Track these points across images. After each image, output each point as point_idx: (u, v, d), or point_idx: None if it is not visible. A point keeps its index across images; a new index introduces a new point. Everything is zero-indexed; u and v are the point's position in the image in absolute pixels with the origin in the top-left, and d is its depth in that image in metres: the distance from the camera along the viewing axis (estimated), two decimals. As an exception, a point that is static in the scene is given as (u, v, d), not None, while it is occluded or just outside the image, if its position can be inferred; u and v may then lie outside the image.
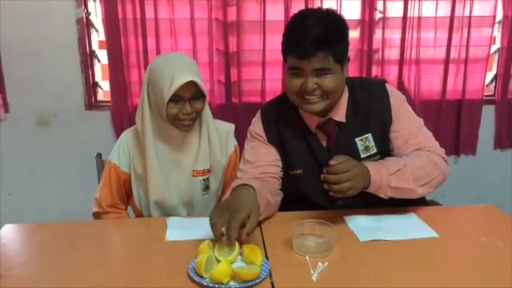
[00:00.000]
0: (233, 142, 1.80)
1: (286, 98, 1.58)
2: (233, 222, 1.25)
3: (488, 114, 3.04)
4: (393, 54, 2.89)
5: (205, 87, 1.58)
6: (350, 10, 2.81)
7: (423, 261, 1.32)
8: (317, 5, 2.76)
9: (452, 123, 3.02)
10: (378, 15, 2.83)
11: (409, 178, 1.43)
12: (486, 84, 3.01)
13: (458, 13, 2.83)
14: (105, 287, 1.20)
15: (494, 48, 2.99)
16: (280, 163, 1.64)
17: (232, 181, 1.63)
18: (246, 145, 1.68)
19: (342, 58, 1.48)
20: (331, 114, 1.57)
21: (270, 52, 2.81)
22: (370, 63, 2.85)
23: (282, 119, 1.63)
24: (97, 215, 1.74)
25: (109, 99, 2.90)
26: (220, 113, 2.70)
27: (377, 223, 1.49)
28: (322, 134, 1.61)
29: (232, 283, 1.18)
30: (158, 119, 1.63)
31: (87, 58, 2.84)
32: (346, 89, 1.59)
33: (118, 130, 2.88)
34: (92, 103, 2.92)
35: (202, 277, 1.18)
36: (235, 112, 2.87)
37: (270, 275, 1.22)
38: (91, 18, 2.82)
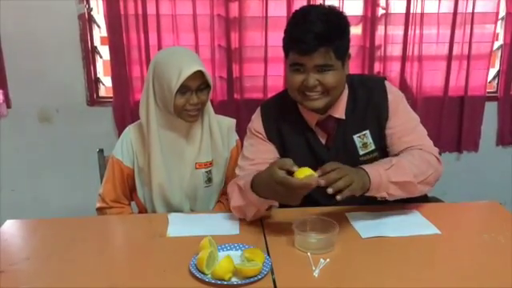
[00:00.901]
0: (234, 137, 1.80)
1: (286, 95, 1.58)
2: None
3: (490, 110, 3.03)
4: (395, 50, 2.88)
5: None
6: (353, 5, 2.80)
7: (425, 257, 1.32)
8: (319, 1, 2.75)
9: (454, 120, 3.01)
10: (380, 11, 2.82)
11: (406, 171, 1.42)
12: (488, 80, 3.00)
13: (460, 9, 2.82)
14: (106, 283, 1.20)
15: (496, 44, 2.98)
16: None
17: (233, 176, 1.64)
18: (245, 141, 1.68)
19: (343, 55, 1.48)
20: (331, 111, 1.57)
21: (272, 48, 2.80)
22: (372, 59, 2.84)
23: (282, 116, 1.63)
24: (100, 210, 1.74)
25: (111, 95, 2.89)
26: (222, 109, 2.70)
27: (379, 220, 1.49)
28: (321, 131, 1.61)
29: (234, 279, 1.18)
30: (163, 112, 1.64)
31: (89, 54, 2.83)
32: (346, 86, 1.59)
33: (120, 126, 2.88)
34: (94, 99, 2.92)
35: (203, 273, 1.19)
36: (237, 108, 2.87)
37: (272, 271, 1.22)
38: (93, 13, 2.81)
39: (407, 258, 1.30)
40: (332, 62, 1.45)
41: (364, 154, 1.59)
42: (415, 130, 1.59)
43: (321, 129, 1.60)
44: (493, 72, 3.04)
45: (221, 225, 1.51)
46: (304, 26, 1.42)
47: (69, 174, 2.96)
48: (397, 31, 2.86)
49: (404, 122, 1.58)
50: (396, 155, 1.54)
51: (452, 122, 3.01)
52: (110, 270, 1.28)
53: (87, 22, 2.79)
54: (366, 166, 1.40)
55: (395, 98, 1.59)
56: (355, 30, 2.77)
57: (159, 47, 2.77)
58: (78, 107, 2.89)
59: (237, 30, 2.79)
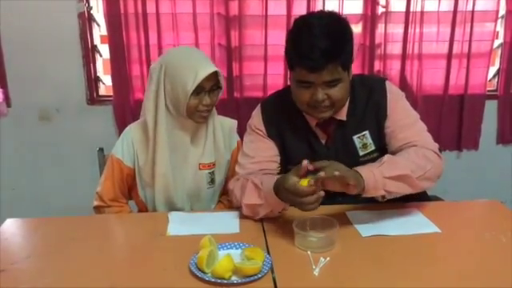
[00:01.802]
0: (235, 138, 1.80)
1: (287, 94, 1.57)
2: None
3: (490, 109, 3.03)
4: (395, 48, 2.88)
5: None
6: (353, 4, 2.80)
7: (425, 256, 1.31)
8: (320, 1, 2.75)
9: (454, 118, 3.01)
10: (380, 10, 2.82)
11: (399, 165, 1.40)
12: (488, 79, 3.00)
13: (460, 7, 2.82)
14: (106, 282, 1.20)
15: (496, 43, 2.98)
16: (278, 158, 1.64)
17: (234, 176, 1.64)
18: (245, 138, 1.68)
19: (349, 64, 1.47)
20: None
21: (271, 47, 2.80)
22: (372, 58, 2.84)
23: (282, 114, 1.63)
24: (98, 209, 1.73)
25: (111, 94, 2.90)
26: (222, 107, 2.66)
27: (379, 218, 1.49)
28: (321, 131, 1.60)
29: (234, 278, 1.18)
30: (172, 112, 1.63)
31: (89, 53, 2.83)
32: None
33: (120, 125, 2.88)
34: (94, 98, 2.92)
35: (203, 272, 1.18)
36: (237, 107, 2.87)
37: (272, 270, 1.22)
38: (93, 12, 2.82)
39: (407, 257, 1.30)
40: (340, 76, 1.43)
41: (364, 155, 1.59)
42: (412, 126, 1.57)
43: (321, 129, 1.60)
44: (493, 70, 3.04)
45: (221, 223, 1.51)
46: (309, 42, 1.38)
47: (69, 173, 2.97)
48: (397, 29, 2.86)
49: (401, 119, 1.57)
50: (393, 153, 1.53)
51: (452, 120, 3.01)
52: (110, 268, 1.28)
53: (87, 20, 2.79)
54: (358, 167, 1.37)
55: (394, 97, 1.59)
56: (355, 29, 2.77)
57: (159, 46, 2.77)
58: (78, 106, 2.89)
59: (237, 28, 2.79)
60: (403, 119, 1.57)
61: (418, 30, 2.84)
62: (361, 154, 1.59)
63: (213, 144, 1.72)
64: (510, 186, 2.98)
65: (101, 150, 1.92)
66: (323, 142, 1.61)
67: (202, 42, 2.79)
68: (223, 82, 1.65)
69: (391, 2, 2.81)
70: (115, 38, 2.76)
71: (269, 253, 1.30)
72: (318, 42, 1.37)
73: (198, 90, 1.57)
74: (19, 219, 1.59)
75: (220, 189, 1.80)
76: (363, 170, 1.36)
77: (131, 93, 2.86)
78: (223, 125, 1.77)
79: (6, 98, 2.85)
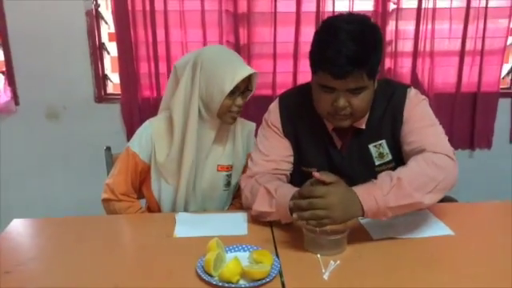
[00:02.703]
0: (252, 141, 1.78)
1: (307, 92, 1.51)
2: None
3: (504, 107, 2.99)
4: (407, 45, 2.84)
5: None
6: (363, 0, 2.76)
7: (438, 260, 1.28)
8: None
9: (467, 116, 2.97)
10: (391, 6, 2.78)
11: (408, 191, 1.28)
12: (502, 76, 2.95)
13: (473, 4, 2.77)
14: (112, 283, 1.18)
15: (510, 39, 2.92)
16: (292, 159, 1.61)
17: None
18: (260, 132, 1.65)
19: (375, 73, 1.41)
20: None
21: (280, 44, 2.78)
22: (383, 55, 2.80)
23: (300, 114, 1.58)
24: (107, 202, 1.70)
25: (118, 92, 2.89)
26: (230, 106, 2.67)
27: (390, 220, 1.44)
28: (337, 137, 1.56)
29: (242, 282, 1.15)
30: (201, 110, 1.62)
31: (97, 51, 2.82)
32: None
33: (128, 123, 2.87)
34: (102, 96, 2.91)
35: (210, 275, 1.16)
36: (246, 104, 2.79)
37: (281, 274, 1.19)
38: (100, 10, 2.80)
39: (419, 260, 1.26)
40: (365, 84, 1.37)
41: (380, 165, 1.54)
42: (424, 130, 1.48)
43: (337, 135, 1.56)
44: (506, 68, 3.00)
45: (229, 225, 1.49)
46: (335, 47, 1.31)
47: (76, 172, 2.96)
48: (408, 26, 2.82)
49: (414, 122, 1.49)
50: (405, 159, 1.46)
51: (464, 118, 2.96)
52: (116, 270, 1.26)
53: (95, 18, 2.78)
54: (361, 191, 1.28)
55: (412, 102, 1.50)
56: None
57: (167, 43, 2.76)
58: (86, 104, 2.89)
59: (245, 25, 2.76)
60: (415, 123, 1.48)
61: (429, 26, 2.79)
62: (377, 163, 1.54)
63: (232, 146, 1.72)
64: (524, 186, 2.93)
65: (108, 148, 1.91)
66: (338, 147, 1.57)
67: (210, 39, 2.77)
68: (255, 85, 1.65)
69: (402, -1, 2.77)
70: (123, 36, 2.75)
71: (277, 256, 1.27)
72: (345, 47, 1.31)
73: (233, 91, 1.56)
74: (26, 219, 1.59)
75: (233, 191, 1.79)
76: (366, 197, 1.26)
77: (139, 91, 2.84)
78: (243, 128, 1.76)
79: (15, 96, 2.85)
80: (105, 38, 2.87)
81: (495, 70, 2.90)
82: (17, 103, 2.87)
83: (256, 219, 1.49)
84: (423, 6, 2.76)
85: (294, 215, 1.26)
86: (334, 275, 1.18)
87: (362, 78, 1.35)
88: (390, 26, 2.80)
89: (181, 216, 1.56)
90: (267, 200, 1.42)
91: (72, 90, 2.86)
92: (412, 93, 1.53)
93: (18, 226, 1.53)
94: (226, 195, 1.77)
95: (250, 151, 1.74)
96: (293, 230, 1.39)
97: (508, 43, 2.90)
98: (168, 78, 2.76)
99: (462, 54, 2.85)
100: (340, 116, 1.43)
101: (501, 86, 2.96)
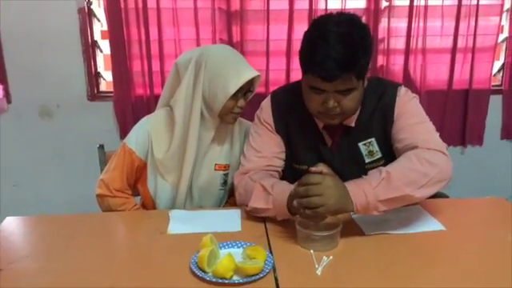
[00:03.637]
0: None
1: (299, 90, 1.52)
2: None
3: (495, 103, 3.00)
4: (399, 43, 2.85)
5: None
6: (356, -2, 2.77)
7: (430, 254, 1.30)
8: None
9: (459, 113, 2.99)
10: (383, 4, 2.79)
11: (397, 184, 1.29)
12: (493, 73, 2.97)
13: (465, 1, 2.79)
14: (106, 281, 1.18)
15: (501, 37, 2.95)
16: (284, 155, 1.62)
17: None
18: (252, 130, 1.65)
19: (364, 73, 1.41)
20: None
21: (273, 42, 2.78)
22: (375, 53, 2.81)
23: (292, 110, 1.59)
24: (102, 198, 1.69)
25: (111, 90, 2.88)
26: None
27: (382, 216, 1.45)
28: (327, 135, 1.57)
29: (235, 278, 1.16)
30: (202, 109, 1.61)
31: (89, 48, 2.81)
32: None
33: (121, 121, 2.87)
34: (94, 94, 2.90)
35: (204, 271, 1.17)
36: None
37: (274, 269, 1.20)
38: (93, 7, 2.80)
39: (412, 255, 1.28)
40: (353, 86, 1.38)
41: (370, 162, 1.55)
42: (415, 127, 1.48)
43: (327, 133, 1.57)
44: (497, 65, 3.01)
45: (222, 221, 1.49)
46: (324, 50, 1.32)
47: (69, 170, 2.95)
48: (400, 24, 2.83)
49: (405, 119, 1.50)
50: (397, 157, 1.47)
51: (456, 115, 2.98)
52: (110, 267, 1.26)
53: (87, 15, 2.77)
54: (351, 185, 1.30)
55: (402, 100, 1.51)
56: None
57: (160, 41, 2.76)
58: (79, 102, 2.88)
59: (238, 23, 2.76)
60: (406, 120, 1.49)
61: (421, 24, 2.81)
62: (367, 161, 1.56)
63: (230, 146, 1.72)
64: (515, 182, 2.95)
65: (101, 146, 1.91)
66: (329, 145, 1.58)
67: (203, 37, 2.77)
68: (257, 86, 1.65)
69: (395, -4, 2.78)
70: (116, 34, 2.74)
71: (271, 252, 1.28)
72: (333, 51, 1.31)
73: (236, 92, 1.56)
74: (18, 217, 1.58)
75: (230, 189, 1.79)
76: (355, 191, 1.28)
77: (132, 89, 2.84)
78: (241, 127, 1.76)
79: (7, 94, 2.83)
80: (97, 36, 2.86)
81: (486, 68, 2.92)
82: (9, 101, 2.85)
83: (250, 215, 1.49)
84: (415, 3, 2.78)
85: (295, 202, 1.28)
86: (326, 270, 1.19)
87: (350, 80, 1.36)
88: (383, 24, 2.81)
89: (174, 213, 1.56)
90: (263, 197, 1.43)
91: (65, 87, 2.85)
92: (402, 91, 1.54)
93: (11, 224, 1.53)
94: (223, 194, 1.77)
95: None
96: (286, 226, 1.40)
97: (499, 41, 2.92)
98: (161, 75, 2.79)
99: (453, 51, 2.86)
100: (330, 115, 1.44)
101: (492, 83, 2.98)
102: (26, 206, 2.93)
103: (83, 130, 2.88)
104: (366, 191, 1.28)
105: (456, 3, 2.79)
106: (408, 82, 2.83)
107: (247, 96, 1.64)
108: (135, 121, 1.77)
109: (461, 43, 2.86)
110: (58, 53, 2.79)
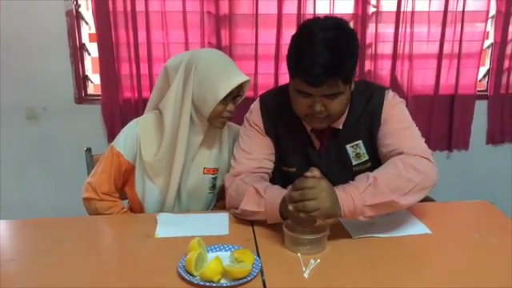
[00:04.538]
0: None
1: (287, 93, 1.53)
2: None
3: (481, 109, 3.04)
4: (386, 48, 2.88)
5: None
6: (344, 3, 2.80)
7: (416, 257, 1.31)
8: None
9: (445, 118, 3.02)
10: (371, 9, 2.82)
11: (384, 190, 1.30)
12: (478, 79, 3.01)
13: (451, 7, 2.82)
14: (93, 284, 1.18)
15: (487, 43, 2.99)
16: (274, 157, 1.63)
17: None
18: (242, 132, 1.66)
19: (351, 78, 1.43)
20: None
21: (262, 46, 2.79)
22: (363, 58, 2.84)
23: (281, 113, 1.60)
24: (89, 201, 1.68)
25: (99, 93, 2.87)
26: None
27: (369, 220, 1.48)
28: (315, 137, 1.59)
29: (223, 281, 1.16)
30: (191, 112, 1.61)
31: (77, 51, 2.80)
32: None
33: (109, 124, 2.86)
34: (82, 97, 2.88)
35: (192, 275, 1.17)
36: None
37: (262, 272, 1.20)
38: (81, 10, 2.78)
39: (398, 258, 1.29)
40: (340, 90, 1.39)
41: (357, 164, 1.57)
42: (401, 132, 1.49)
43: (315, 135, 1.58)
44: (483, 70, 3.05)
45: (210, 225, 1.49)
46: (310, 56, 1.33)
47: (56, 173, 2.93)
48: (388, 29, 2.86)
49: (392, 124, 1.51)
50: (382, 161, 1.49)
51: (442, 120, 3.02)
52: (97, 271, 1.26)
53: (75, 18, 2.76)
54: (339, 190, 1.30)
55: (389, 104, 1.53)
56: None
57: (148, 44, 2.75)
58: (66, 105, 2.86)
59: (227, 27, 2.77)
60: (393, 125, 1.51)
61: (408, 29, 2.84)
62: (354, 163, 1.57)
63: (219, 150, 1.72)
64: (499, 186, 2.99)
65: (89, 149, 1.90)
66: (317, 147, 1.59)
67: (191, 40, 2.77)
68: (247, 90, 1.66)
69: (382, 2, 2.80)
70: (104, 37, 2.73)
71: (258, 255, 1.28)
72: (320, 57, 1.32)
73: (226, 96, 1.56)
74: (3, 221, 1.56)
75: (218, 193, 1.79)
76: (343, 196, 1.29)
77: (120, 92, 2.83)
78: (230, 131, 1.76)
79: (-7, 97, 2.81)
80: (85, 39, 2.85)
81: (472, 73, 2.96)
82: (-5, 104, 2.83)
83: (238, 219, 1.50)
84: (402, 9, 2.80)
85: (290, 207, 1.28)
86: (314, 273, 1.20)
87: (337, 84, 1.37)
88: (370, 29, 2.83)
89: (162, 216, 1.55)
90: (255, 199, 1.43)
91: (52, 90, 2.83)
92: (390, 95, 1.56)
93: (-3, 228, 1.51)
94: (211, 197, 1.77)
95: None
96: (274, 230, 1.40)
97: (484, 46, 2.96)
98: (149, 79, 2.79)
99: (440, 56, 2.90)
100: (317, 118, 1.45)
101: (477, 89, 3.01)
102: (12, 209, 2.89)
103: (71, 133, 2.86)
104: (353, 196, 1.29)
105: (442, 9, 2.82)
106: (395, 86, 2.86)
107: (236, 100, 1.64)
108: (123, 124, 1.76)
109: (447, 49, 2.89)
110: (46, 55, 2.77)
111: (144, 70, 2.79)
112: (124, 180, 1.72)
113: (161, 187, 1.67)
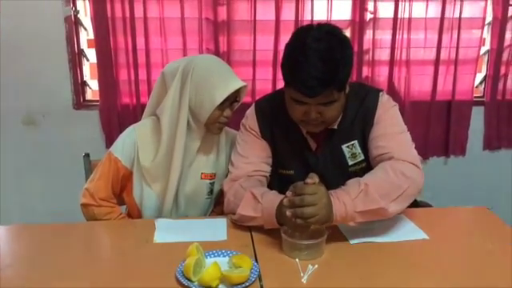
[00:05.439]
0: None
1: (282, 97, 1.54)
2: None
3: (477, 115, 3.05)
4: (383, 54, 2.89)
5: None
6: (341, 10, 2.80)
7: (413, 263, 1.31)
8: (308, 5, 2.75)
9: (442, 124, 3.02)
10: (368, 16, 2.83)
11: (375, 197, 1.32)
12: (475, 85, 3.02)
13: (448, 14, 2.84)
14: (91, 291, 1.18)
15: (483, 49, 3.00)
16: (271, 160, 1.64)
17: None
18: (239, 138, 1.67)
19: (345, 85, 1.44)
20: None
21: (260, 52, 2.80)
22: (360, 64, 2.85)
23: (276, 118, 1.62)
24: (87, 207, 1.68)
25: (97, 98, 2.86)
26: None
27: (367, 225, 1.47)
28: (312, 139, 1.60)
29: (221, 286, 1.17)
30: (188, 118, 1.62)
31: (75, 57, 2.80)
32: None
33: (107, 130, 2.85)
34: (80, 102, 2.88)
35: (190, 280, 1.17)
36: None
37: (260, 278, 1.21)
38: (80, 16, 2.79)
39: (396, 264, 1.30)
40: (335, 98, 1.41)
41: (353, 165, 1.58)
42: (394, 137, 1.52)
43: (311, 137, 1.60)
44: (480, 77, 3.06)
45: (208, 231, 1.49)
46: (305, 69, 1.34)
47: (54, 179, 2.92)
48: (385, 36, 2.87)
49: (384, 127, 1.53)
50: (372, 163, 1.51)
51: (439, 126, 3.02)
52: (95, 276, 1.26)
53: (74, 24, 2.76)
54: (332, 196, 1.31)
55: (383, 106, 1.55)
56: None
57: (147, 50, 2.75)
58: (64, 111, 2.85)
59: (225, 33, 2.78)
60: (386, 128, 1.53)
61: (405, 36, 2.85)
62: (350, 163, 1.59)
63: (216, 155, 1.73)
64: (496, 192, 3.00)
65: (87, 155, 1.90)
66: (313, 149, 1.61)
67: (190, 47, 2.78)
68: (244, 96, 1.66)
69: (379, 8, 2.81)
70: (102, 43, 2.74)
71: (256, 260, 1.29)
72: (314, 69, 1.33)
73: (223, 102, 1.56)
74: (2, 226, 1.57)
75: (216, 198, 1.79)
76: (336, 201, 1.30)
77: (118, 97, 2.83)
78: (227, 137, 1.77)
79: (-9, 102, 2.80)
80: (84, 45, 2.86)
81: (469, 79, 2.97)
82: (-6, 109, 2.83)
83: (236, 224, 1.50)
84: (399, 15, 2.81)
85: (288, 212, 1.28)
86: (312, 279, 1.20)
87: (332, 93, 1.39)
88: (367, 35, 2.84)
89: (160, 222, 1.55)
90: (252, 205, 1.43)
91: (51, 96, 2.83)
92: (385, 97, 1.58)
93: (-5, 233, 1.51)
94: (209, 203, 1.77)
95: None
96: (272, 235, 1.41)
97: (481, 53, 2.97)
98: (148, 84, 2.79)
99: (436, 63, 2.90)
100: (312, 124, 1.47)
101: (474, 95, 3.02)
102: (11, 215, 2.89)
103: (69, 139, 2.86)
104: (345, 202, 1.31)
105: (439, 16, 2.84)
106: (392, 92, 2.86)
107: (233, 106, 1.64)
108: (121, 130, 1.76)
109: (444, 55, 2.90)
110: (44, 61, 2.77)
111: (142, 75, 2.80)
112: (122, 186, 1.72)
113: (158, 193, 1.68)
